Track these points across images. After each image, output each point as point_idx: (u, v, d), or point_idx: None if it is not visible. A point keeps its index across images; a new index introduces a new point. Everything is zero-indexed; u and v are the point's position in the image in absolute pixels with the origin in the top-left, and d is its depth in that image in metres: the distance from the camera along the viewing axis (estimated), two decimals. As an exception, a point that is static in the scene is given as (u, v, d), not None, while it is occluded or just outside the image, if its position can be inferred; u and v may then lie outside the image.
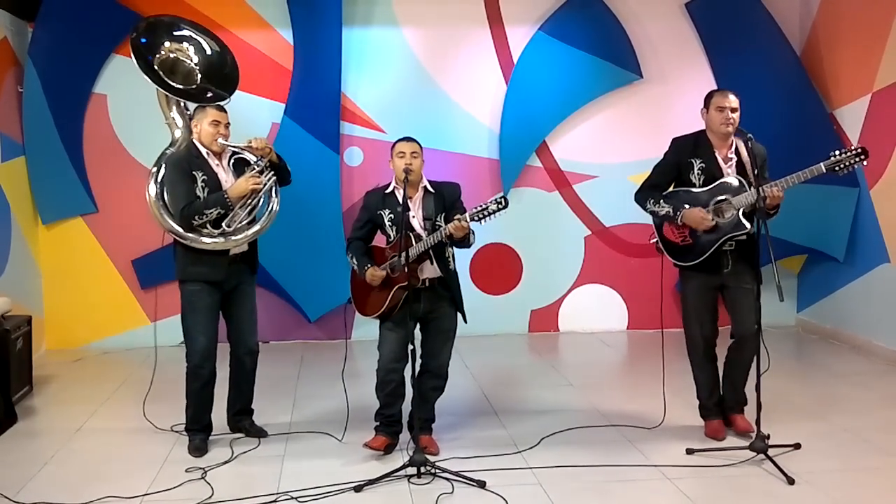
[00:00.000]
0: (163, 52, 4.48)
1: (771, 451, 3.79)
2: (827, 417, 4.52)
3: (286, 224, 6.05)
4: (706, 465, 3.83)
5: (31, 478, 3.80)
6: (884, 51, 5.84)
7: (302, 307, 6.46)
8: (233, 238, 3.99)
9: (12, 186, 5.88)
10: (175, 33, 4.57)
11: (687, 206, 4.02)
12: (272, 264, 6.04)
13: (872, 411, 4.65)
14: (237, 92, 4.55)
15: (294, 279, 6.38)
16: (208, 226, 3.94)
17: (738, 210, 3.94)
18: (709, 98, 4.13)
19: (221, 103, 4.22)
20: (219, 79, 4.61)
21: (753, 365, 3.92)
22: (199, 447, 4.08)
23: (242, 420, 4.33)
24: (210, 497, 3.54)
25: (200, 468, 3.83)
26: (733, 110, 4.01)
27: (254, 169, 4.03)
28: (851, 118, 6.23)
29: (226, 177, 4.06)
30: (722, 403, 4.28)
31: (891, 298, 5.80)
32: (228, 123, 4.08)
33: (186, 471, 3.81)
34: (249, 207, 4.01)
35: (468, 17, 6.56)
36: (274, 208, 4.17)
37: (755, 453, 3.81)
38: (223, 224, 3.95)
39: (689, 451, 3.95)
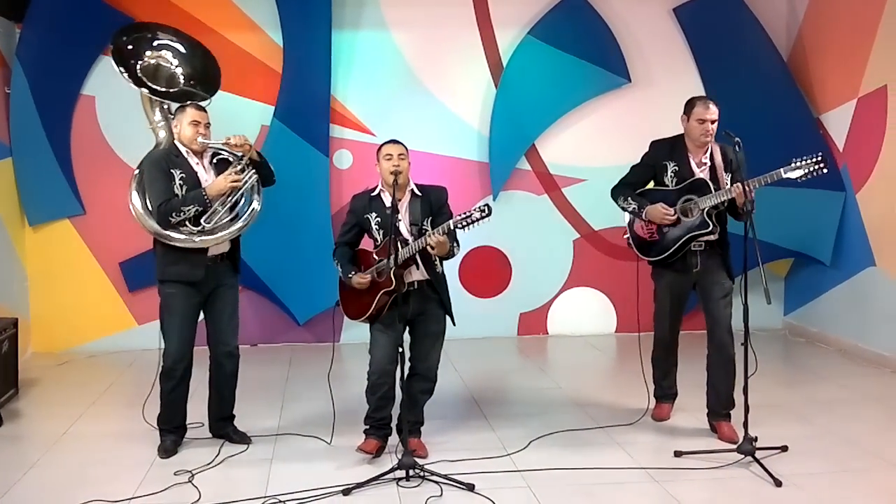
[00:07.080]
0: (144, 60, 4.62)
1: (758, 454, 3.82)
2: (814, 420, 4.54)
3: (275, 227, 6.08)
4: (694, 467, 3.84)
5: (16, 482, 3.77)
6: (869, 56, 5.89)
7: (290, 310, 6.45)
8: (213, 236, 3.98)
9: (-1, 188, 5.86)
10: (155, 42, 4.73)
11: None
12: (261, 267, 6.03)
13: (859, 413, 4.68)
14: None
15: (283, 282, 6.36)
16: (188, 223, 3.93)
17: (703, 210, 4.08)
18: (690, 106, 4.21)
19: (202, 103, 4.22)
20: (201, 82, 4.69)
21: (739, 368, 3.95)
22: (167, 448, 4.08)
23: (225, 427, 4.28)
24: (197, 500, 3.52)
25: (188, 471, 3.81)
26: (713, 122, 4.14)
27: (235, 167, 4.02)
28: (837, 123, 6.28)
29: (206, 175, 4.06)
30: (708, 407, 4.32)
31: (876, 301, 5.84)
32: (209, 124, 4.07)
33: (175, 474, 3.79)
34: (230, 205, 4.00)
35: (457, 19, 6.56)
36: (255, 207, 4.13)
37: (743, 456, 3.83)
38: (202, 221, 3.94)
39: (678, 454, 3.96)
